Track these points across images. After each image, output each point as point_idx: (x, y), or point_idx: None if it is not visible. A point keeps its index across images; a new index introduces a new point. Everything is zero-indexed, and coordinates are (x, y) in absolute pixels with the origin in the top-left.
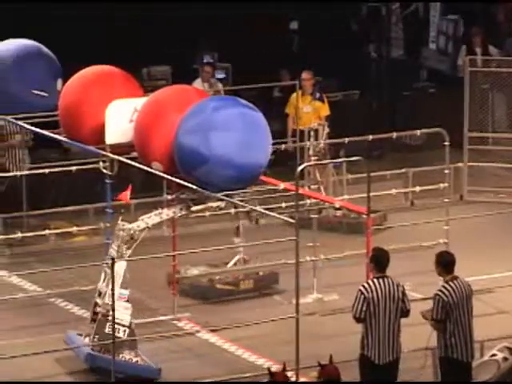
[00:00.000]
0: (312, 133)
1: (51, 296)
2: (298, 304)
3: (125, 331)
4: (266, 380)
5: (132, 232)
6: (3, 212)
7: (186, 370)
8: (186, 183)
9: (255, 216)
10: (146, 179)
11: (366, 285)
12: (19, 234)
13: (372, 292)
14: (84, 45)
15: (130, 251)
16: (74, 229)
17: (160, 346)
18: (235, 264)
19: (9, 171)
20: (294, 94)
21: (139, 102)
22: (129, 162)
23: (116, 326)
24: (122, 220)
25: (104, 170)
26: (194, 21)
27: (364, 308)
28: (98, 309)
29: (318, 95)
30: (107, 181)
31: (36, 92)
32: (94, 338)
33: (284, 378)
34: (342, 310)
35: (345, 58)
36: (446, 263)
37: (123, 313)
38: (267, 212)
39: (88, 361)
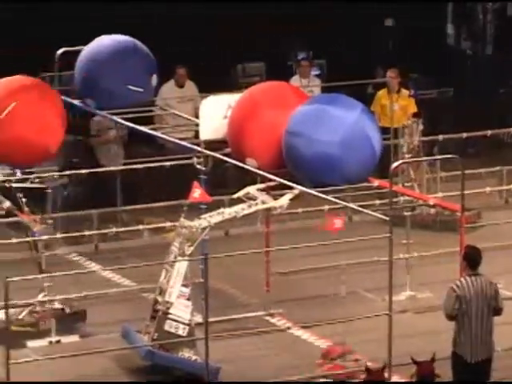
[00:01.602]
0: (406, 130)
1: (144, 291)
2: (391, 301)
3: (184, 329)
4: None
5: (194, 230)
6: (98, 207)
7: (276, 365)
8: (279, 179)
9: None
10: (239, 175)
11: (458, 282)
12: (113, 229)
13: (464, 290)
14: (183, 43)
15: (191, 249)
16: (168, 224)
17: (252, 342)
18: None
19: (103, 166)
20: (380, 92)
21: (233, 99)
22: (223, 157)
23: (176, 323)
24: (193, 217)
25: (198, 166)
26: (286, 19)
27: (456, 306)
28: (159, 306)
29: (412, 92)
30: (201, 176)
31: (131, 87)
32: (153, 334)
33: (380, 376)
34: (434, 308)
35: (439, 56)
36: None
37: (183, 310)
38: (361, 209)
39: (147, 358)
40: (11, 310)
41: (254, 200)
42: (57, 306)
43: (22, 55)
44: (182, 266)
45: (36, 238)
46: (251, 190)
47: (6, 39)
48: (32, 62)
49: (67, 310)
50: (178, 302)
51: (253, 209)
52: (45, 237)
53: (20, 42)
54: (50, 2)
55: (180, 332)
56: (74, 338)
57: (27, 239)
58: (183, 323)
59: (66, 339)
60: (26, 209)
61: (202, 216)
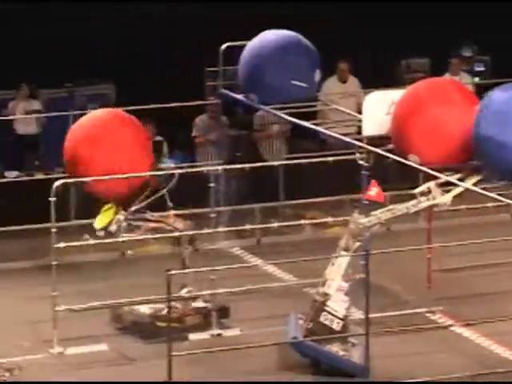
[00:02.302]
0: None
1: (305, 285)
2: None
3: (338, 323)
4: None
5: (362, 227)
6: (260, 201)
7: (436, 363)
8: (441, 175)
9: None
10: (401, 171)
11: None
12: (275, 224)
13: None
14: (346, 38)
15: (357, 245)
16: (330, 219)
17: (413, 339)
18: None
19: (266, 161)
20: None
21: (397, 95)
22: (385, 153)
23: (331, 316)
24: (359, 213)
25: (360, 162)
26: (454, 13)
27: None
28: (317, 297)
29: None
30: (363, 172)
31: (295, 82)
32: (308, 324)
33: None
34: None
35: None
36: None
37: (340, 305)
38: None
39: (295, 347)
40: (155, 306)
41: (426, 196)
42: (200, 303)
43: (187, 52)
44: (343, 261)
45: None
46: (432, 184)
47: (169, 38)
48: (197, 57)
49: (209, 307)
50: (336, 296)
51: (423, 205)
52: (207, 230)
53: (186, 38)
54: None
55: (334, 326)
56: (235, 332)
57: (169, 235)
58: (338, 317)
59: (227, 333)
60: (169, 204)
61: (373, 212)
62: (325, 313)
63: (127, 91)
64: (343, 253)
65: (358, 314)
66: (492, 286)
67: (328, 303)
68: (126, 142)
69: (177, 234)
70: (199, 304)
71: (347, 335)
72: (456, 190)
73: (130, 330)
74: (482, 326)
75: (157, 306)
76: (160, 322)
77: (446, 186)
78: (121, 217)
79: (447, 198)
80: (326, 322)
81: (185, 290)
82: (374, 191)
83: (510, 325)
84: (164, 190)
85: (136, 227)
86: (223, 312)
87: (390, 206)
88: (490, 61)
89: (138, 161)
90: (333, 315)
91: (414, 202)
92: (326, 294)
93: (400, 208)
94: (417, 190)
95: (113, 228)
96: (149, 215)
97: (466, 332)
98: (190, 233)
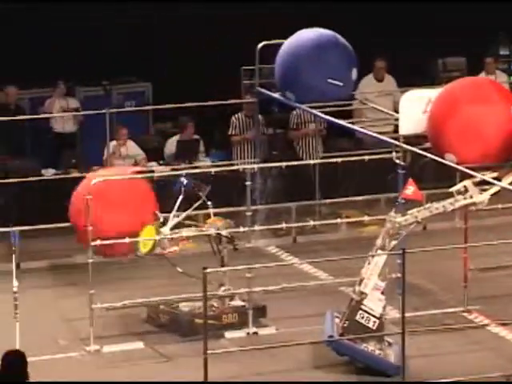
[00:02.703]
0: None
1: (341, 284)
2: None
3: (375, 322)
4: None
5: (398, 225)
6: (296, 200)
7: (472, 362)
8: (478, 175)
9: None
10: (438, 170)
11: None
12: (311, 222)
13: None
14: (381, 35)
15: (393, 244)
16: (366, 218)
17: (448, 338)
18: None
19: (302, 159)
20: None
21: (434, 93)
22: (422, 152)
23: (367, 315)
24: (396, 212)
25: (397, 161)
26: (491, 12)
27: None
28: (353, 295)
29: None
30: (399, 171)
31: (331, 81)
32: (344, 322)
33: None
34: None
35: None
36: None
37: (376, 304)
38: None
39: (330, 345)
40: (193, 304)
41: (463, 194)
42: (237, 302)
43: (224, 50)
44: (380, 260)
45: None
46: (468, 183)
47: (205, 37)
48: (233, 56)
49: (247, 306)
50: (372, 295)
51: (460, 203)
52: (243, 229)
53: (223, 37)
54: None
55: (370, 324)
56: (271, 330)
57: (206, 232)
58: (374, 316)
59: (263, 331)
60: (209, 203)
61: (409, 211)
62: (361, 311)
63: (164, 90)
64: (380, 251)
65: (393, 313)
66: None
67: (364, 302)
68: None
69: (215, 232)
70: (236, 303)
71: (383, 334)
72: (493, 189)
73: (166, 328)
74: None
75: (195, 304)
76: (197, 319)
77: (483, 184)
78: (164, 233)
79: (484, 196)
80: (362, 321)
81: (222, 289)
82: (410, 190)
83: None
84: (200, 200)
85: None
86: (260, 311)
87: (427, 205)
88: None
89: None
90: (369, 314)
91: (451, 200)
92: (362, 293)
93: (437, 206)
94: (453, 189)
95: (158, 249)
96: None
97: (503, 331)
98: (229, 231)
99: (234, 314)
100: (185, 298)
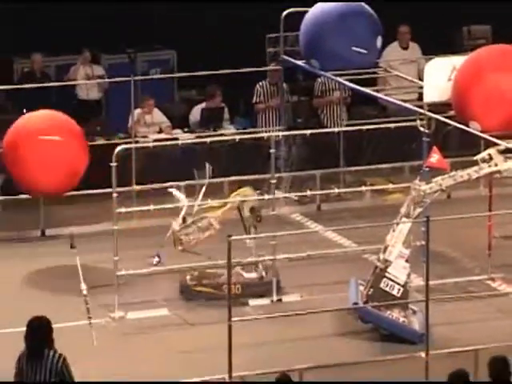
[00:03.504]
0: None
1: (365, 252)
2: None
3: (399, 290)
4: None
5: (422, 193)
6: (321, 167)
7: (495, 330)
8: (503, 143)
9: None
10: (462, 138)
11: None
12: (335, 190)
13: None
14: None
15: (418, 211)
16: (390, 186)
17: (472, 306)
18: None
19: (326, 127)
20: None
21: (458, 61)
22: (446, 120)
23: (391, 283)
24: (420, 180)
25: (421, 129)
26: None
27: None
28: (378, 263)
29: None
30: (424, 139)
31: (356, 49)
32: (368, 290)
33: None
34: None
35: None
36: None
37: (400, 271)
38: None
39: (355, 312)
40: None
41: (487, 162)
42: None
43: (248, 18)
44: (404, 227)
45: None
46: (492, 151)
47: (230, 4)
48: (258, 23)
49: (258, 276)
50: (396, 262)
51: (485, 171)
52: (268, 197)
53: (248, 5)
54: None
55: (394, 292)
56: (296, 298)
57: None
58: (398, 284)
59: (288, 298)
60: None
61: (434, 179)
62: (385, 279)
63: (188, 57)
64: (404, 219)
65: (418, 281)
66: None
67: (389, 270)
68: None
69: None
70: (250, 275)
71: (407, 302)
72: None
73: (191, 295)
74: None
75: (219, 270)
76: (198, 287)
77: (507, 152)
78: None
79: (509, 164)
80: (387, 289)
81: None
82: (435, 158)
83: None
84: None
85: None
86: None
87: (452, 173)
88: None
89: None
90: (393, 281)
91: (475, 168)
92: (386, 261)
93: (462, 174)
94: (478, 157)
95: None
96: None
97: None
98: (252, 199)
99: (238, 285)
100: (207, 265)
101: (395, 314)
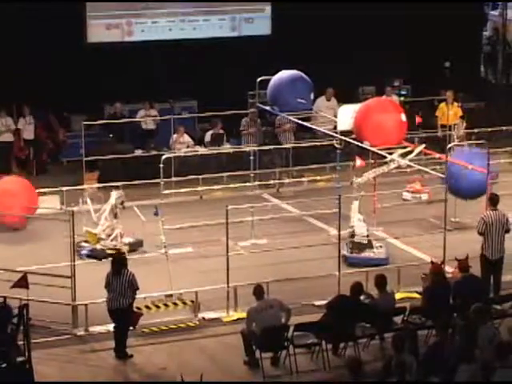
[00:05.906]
0: (456, 126)
1: (305, 215)
2: None
3: (365, 239)
4: None
5: (358, 183)
6: (278, 167)
7: None
8: (383, 152)
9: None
10: (361, 150)
11: (485, 214)
12: (286, 180)
13: (489, 218)
14: None
15: (357, 194)
16: (318, 178)
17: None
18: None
19: (282, 144)
20: (442, 104)
21: (356, 107)
22: (351, 140)
23: (360, 237)
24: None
25: (336, 145)
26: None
27: (483, 227)
28: (349, 229)
29: (460, 104)
30: (337, 151)
31: (299, 100)
32: (349, 245)
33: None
34: None
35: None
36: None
37: (362, 229)
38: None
39: (345, 259)
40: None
41: (393, 161)
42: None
43: (237, 83)
44: (355, 204)
45: None
46: (395, 155)
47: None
48: (244, 86)
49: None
50: (358, 225)
51: (391, 166)
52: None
53: (236, 75)
54: None
55: (364, 241)
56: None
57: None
58: (363, 236)
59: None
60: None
61: (364, 174)
62: (356, 236)
63: (204, 104)
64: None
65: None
66: None
67: (355, 230)
68: None
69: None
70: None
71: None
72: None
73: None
74: None
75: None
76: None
77: (405, 155)
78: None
79: (405, 160)
80: (358, 240)
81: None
82: (359, 161)
83: None
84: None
85: None
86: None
87: (373, 169)
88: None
89: None
90: (360, 236)
91: (386, 165)
92: (352, 226)
93: (379, 169)
94: (388, 158)
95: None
96: None
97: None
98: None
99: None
100: None
101: (368, 253)
